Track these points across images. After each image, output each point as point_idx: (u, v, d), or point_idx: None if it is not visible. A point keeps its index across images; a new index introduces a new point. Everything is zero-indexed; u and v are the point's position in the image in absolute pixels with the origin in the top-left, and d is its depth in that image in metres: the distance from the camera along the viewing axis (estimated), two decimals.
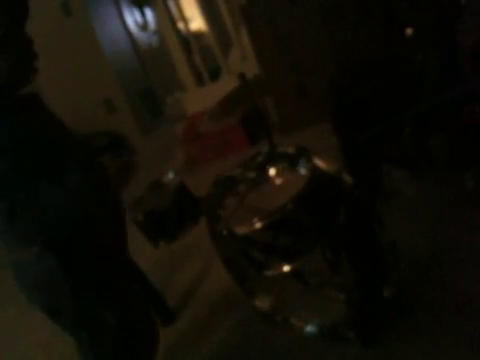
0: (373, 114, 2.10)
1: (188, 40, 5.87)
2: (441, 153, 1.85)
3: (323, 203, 1.64)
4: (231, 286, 1.99)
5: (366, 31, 3.43)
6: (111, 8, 7.08)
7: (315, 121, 3.65)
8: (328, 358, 1.67)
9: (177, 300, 2.45)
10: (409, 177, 2.46)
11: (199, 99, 5.22)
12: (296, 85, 4.01)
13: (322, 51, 3.79)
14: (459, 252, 1.86)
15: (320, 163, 1.71)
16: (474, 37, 1.87)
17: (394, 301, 1.73)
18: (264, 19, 3.91)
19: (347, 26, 3.62)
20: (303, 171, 1.70)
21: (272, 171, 1.82)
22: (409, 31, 2.20)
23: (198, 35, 6.36)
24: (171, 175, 2.03)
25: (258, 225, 1.54)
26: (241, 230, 1.60)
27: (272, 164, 1.83)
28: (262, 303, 1.95)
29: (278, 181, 1.79)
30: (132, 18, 7.57)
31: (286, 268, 1.62)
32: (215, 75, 5.83)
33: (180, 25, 5.87)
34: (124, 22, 7.29)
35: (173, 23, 5.68)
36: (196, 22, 6.41)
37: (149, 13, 7.83)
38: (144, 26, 7.83)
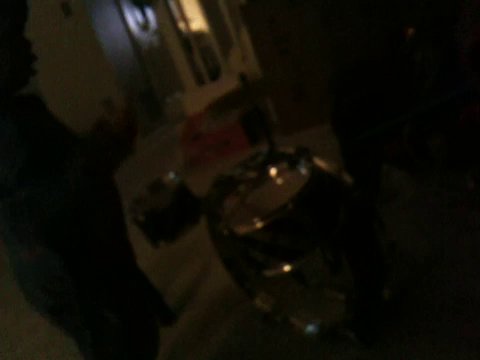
0: (372, 114, 2.10)
1: (188, 40, 5.87)
2: (441, 153, 1.85)
3: (323, 203, 1.64)
4: (231, 286, 1.99)
5: (365, 31, 3.43)
6: (111, 8, 7.08)
7: (315, 121, 3.65)
8: (328, 358, 1.67)
9: (177, 300, 2.45)
10: (409, 177, 2.46)
11: (199, 99, 5.22)
12: (296, 85, 4.01)
13: (322, 51, 3.79)
14: (459, 252, 1.86)
15: (320, 163, 1.71)
16: (473, 37, 1.87)
17: (394, 301, 1.73)
18: (264, 19, 3.91)
19: (347, 26, 3.62)
20: (303, 171, 1.70)
21: (272, 171, 1.82)
22: (409, 31, 2.21)
23: (198, 35, 6.37)
24: (171, 175, 2.03)
25: (258, 225, 1.54)
26: (241, 230, 1.60)
27: (272, 164, 1.83)
28: (262, 303, 1.96)
29: (278, 181, 1.79)
30: (132, 18, 7.58)
31: (286, 268, 1.62)
32: (215, 75, 5.83)
33: (181, 25, 5.87)
34: (124, 22, 7.30)
35: (174, 23, 5.68)
36: (196, 22, 6.42)
37: (150, 13, 7.84)
38: (144, 26, 7.84)
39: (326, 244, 1.61)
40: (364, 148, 2.17)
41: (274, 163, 1.83)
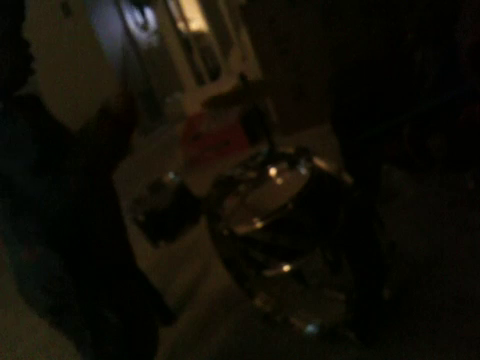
0: (372, 114, 2.10)
1: (188, 40, 5.87)
2: (441, 153, 1.85)
3: (323, 203, 1.64)
4: (231, 286, 1.99)
5: (365, 31, 3.43)
6: (111, 8, 7.08)
7: (315, 121, 3.65)
8: (328, 358, 1.67)
9: (177, 300, 2.45)
10: (409, 177, 2.46)
11: (199, 99, 5.22)
12: (296, 85, 4.01)
13: (322, 51, 3.79)
14: (459, 252, 1.86)
15: (320, 163, 1.71)
16: (473, 37, 1.87)
17: (394, 301, 1.73)
18: (264, 19, 3.91)
19: (347, 26, 3.62)
20: (303, 171, 1.70)
21: (272, 171, 1.82)
22: (409, 31, 2.20)
23: (198, 35, 6.36)
24: (171, 175, 2.03)
25: (258, 225, 1.54)
26: (241, 230, 1.60)
27: (272, 164, 1.83)
28: (262, 303, 1.96)
29: (278, 181, 1.79)
30: (132, 18, 7.57)
31: (286, 268, 1.62)
32: (215, 75, 5.83)
33: (180, 25, 5.87)
34: (124, 22, 7.30)
35: (173, 23, 5.68)
36: (196, 22, 6.42)
37: (149, 13, 7.83)
38: (144, 26, 7.84)
39: (326, 244, 1.61)
40: (364, 148, 2.17)
41: (274, 163, 1.83)
